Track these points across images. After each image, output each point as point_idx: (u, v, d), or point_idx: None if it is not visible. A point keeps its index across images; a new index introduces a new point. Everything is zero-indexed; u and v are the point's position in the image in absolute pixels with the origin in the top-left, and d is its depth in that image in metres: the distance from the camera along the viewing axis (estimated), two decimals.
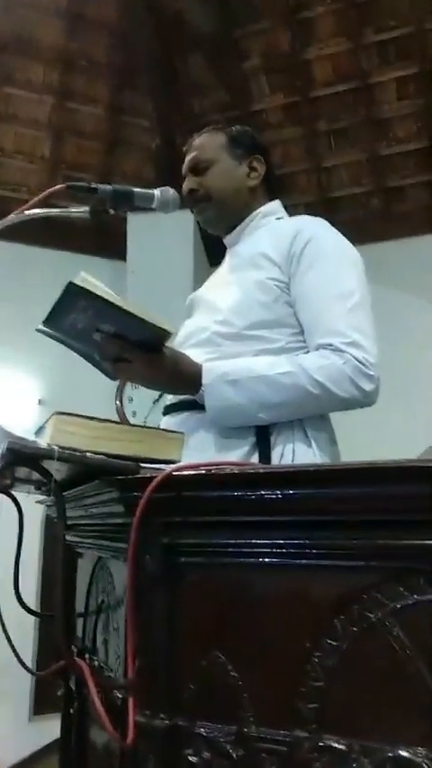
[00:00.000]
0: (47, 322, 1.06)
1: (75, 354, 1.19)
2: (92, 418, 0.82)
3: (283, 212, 1.45)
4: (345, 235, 1.35)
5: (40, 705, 3.82)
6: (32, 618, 1.16)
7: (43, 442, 0.77)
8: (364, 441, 2.21)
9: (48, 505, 1.23)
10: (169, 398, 1.34)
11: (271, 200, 1.45)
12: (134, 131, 4.68)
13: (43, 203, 1.21)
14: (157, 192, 1.28)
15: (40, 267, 4.23)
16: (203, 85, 4.50)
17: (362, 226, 4.21)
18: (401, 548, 0.58)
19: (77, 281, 0.98)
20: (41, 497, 1.12)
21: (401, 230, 4.24)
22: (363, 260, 1.32)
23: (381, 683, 0.58)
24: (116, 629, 0.85)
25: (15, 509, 0.96)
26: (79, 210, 1.23)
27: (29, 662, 1.02)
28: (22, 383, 4.24)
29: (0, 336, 4.17)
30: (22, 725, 3.82)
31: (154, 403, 3.67)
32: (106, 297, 0.99)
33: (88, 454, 0.74)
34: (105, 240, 4.30)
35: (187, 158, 1.44)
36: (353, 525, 0.61)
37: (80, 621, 1.13)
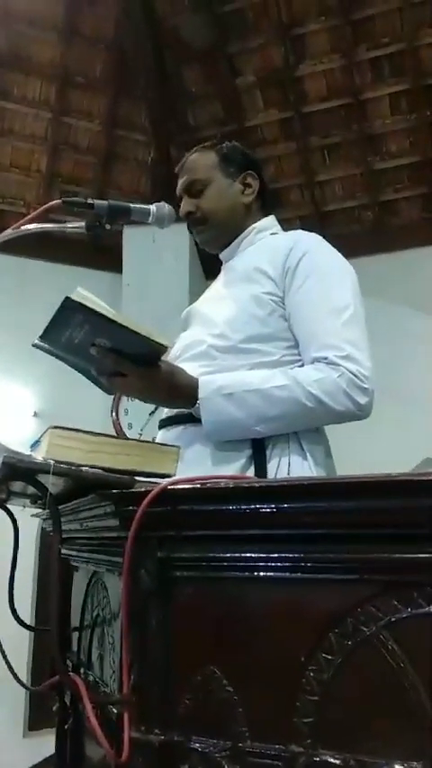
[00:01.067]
0: (43, 337, 1.07)
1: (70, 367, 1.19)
2: (87, 432, 0.82)
3: (277, 227, 1.47)
4: (338, 248, 1.36)
5: (36, 720, 3.78)
6: (27, 632, 1.15)
7: (39, 456, 0.77)
8: (358, 452, 2.21)
9: (43, 519, 1.23)
10: (165, 412, 1.34)
11: (265, 215, 1.46)
12: (130, 146, 4.72)
13: (40, 218, 1.22)
14: (153, 207, 1.28)
15: (36, 280, 4.24)
16: (199, 101, 4.54)
17: (355, 239, 4.25)
18: (396, 561, 0.59)
19: (74, 297, 0.98)
20: (37, 511, 1.12)
21: (395, 243, 4.27)
22: (356, 273, 1.33)
23: (375, 696, 0.58)
24: (111, 643, 0.85)
25: (11, 522, 0.96)
26: (75, 226, 1.23)
27: (24, 676, 1.02)
28: (17, 396, 4.24)
29: None
30: (17, 740, 3.78)
31: (150, 415, 3.67)
32: (102, 312, 1.00)
33: (84, 468, 0.74)
34: (101, 253, 4.32)
35: (181, 180, 1.44)
36: (347, 539, 0.61)
37: (75, 636, 1.12)
